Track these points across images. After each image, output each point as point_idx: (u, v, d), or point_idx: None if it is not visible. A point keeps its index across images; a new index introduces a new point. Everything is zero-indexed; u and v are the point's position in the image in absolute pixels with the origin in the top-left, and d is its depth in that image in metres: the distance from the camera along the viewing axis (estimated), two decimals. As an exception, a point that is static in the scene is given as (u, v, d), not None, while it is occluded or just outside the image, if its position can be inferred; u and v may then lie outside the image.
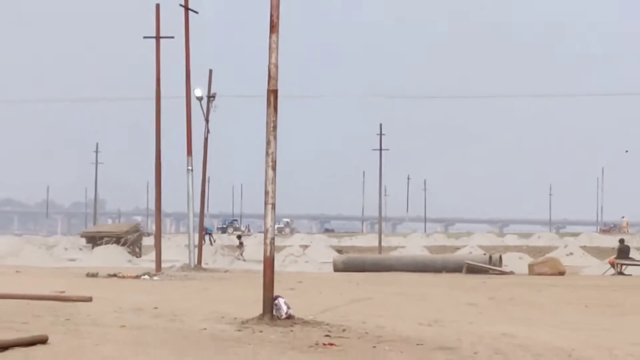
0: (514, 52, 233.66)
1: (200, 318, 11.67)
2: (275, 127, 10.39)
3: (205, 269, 29.91)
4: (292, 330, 9.99)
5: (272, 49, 10.45)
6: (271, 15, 10.56)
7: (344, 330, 10.31)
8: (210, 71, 29.71)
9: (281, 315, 10.87)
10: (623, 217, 73.95)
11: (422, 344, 8.63)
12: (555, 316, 13.67)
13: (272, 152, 10.46)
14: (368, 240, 62.20)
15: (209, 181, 31.15)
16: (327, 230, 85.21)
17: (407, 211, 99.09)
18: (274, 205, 10.54)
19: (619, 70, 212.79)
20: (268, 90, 10.62)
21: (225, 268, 32.40)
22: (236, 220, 76.82)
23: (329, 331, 10.06)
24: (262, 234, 12.98)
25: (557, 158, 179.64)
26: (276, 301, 10.97)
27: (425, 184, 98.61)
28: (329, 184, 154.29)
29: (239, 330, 9.94)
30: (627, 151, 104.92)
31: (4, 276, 23.02)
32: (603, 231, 74.46)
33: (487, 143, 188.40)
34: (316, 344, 8.69)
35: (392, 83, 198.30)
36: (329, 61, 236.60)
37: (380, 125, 58.37)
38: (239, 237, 46.75)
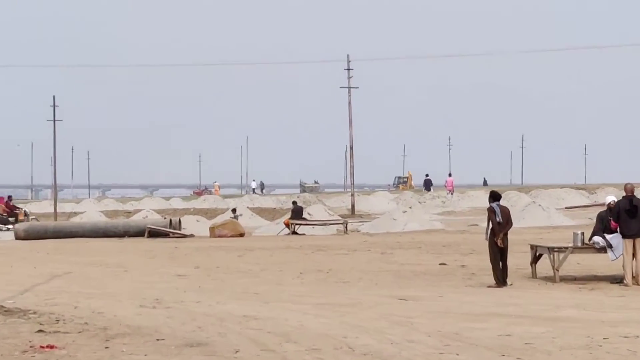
0: None
1: None
2: None
3: None
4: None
5: None
6: None
7: (57, 320, 8.69)
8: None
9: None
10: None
11: (163, 339, 7.42)
12: (279, 287, 12.67)
13: None
14: (42, 206, 56.72)
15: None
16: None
17: (72, 179, 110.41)
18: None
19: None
20: None
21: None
22: None
23: (41, 323, 8.33)
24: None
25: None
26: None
27: (88, 154, 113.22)
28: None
29: None
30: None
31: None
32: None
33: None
34: (31, 347, 7.00)
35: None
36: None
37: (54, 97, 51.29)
38: None
